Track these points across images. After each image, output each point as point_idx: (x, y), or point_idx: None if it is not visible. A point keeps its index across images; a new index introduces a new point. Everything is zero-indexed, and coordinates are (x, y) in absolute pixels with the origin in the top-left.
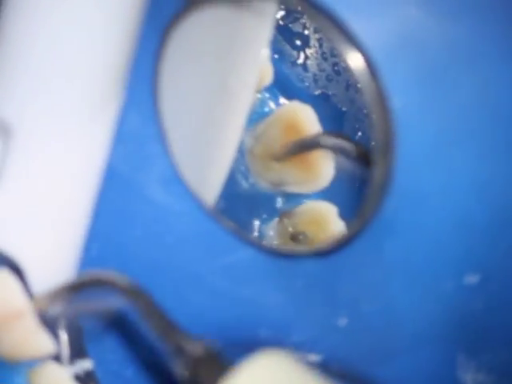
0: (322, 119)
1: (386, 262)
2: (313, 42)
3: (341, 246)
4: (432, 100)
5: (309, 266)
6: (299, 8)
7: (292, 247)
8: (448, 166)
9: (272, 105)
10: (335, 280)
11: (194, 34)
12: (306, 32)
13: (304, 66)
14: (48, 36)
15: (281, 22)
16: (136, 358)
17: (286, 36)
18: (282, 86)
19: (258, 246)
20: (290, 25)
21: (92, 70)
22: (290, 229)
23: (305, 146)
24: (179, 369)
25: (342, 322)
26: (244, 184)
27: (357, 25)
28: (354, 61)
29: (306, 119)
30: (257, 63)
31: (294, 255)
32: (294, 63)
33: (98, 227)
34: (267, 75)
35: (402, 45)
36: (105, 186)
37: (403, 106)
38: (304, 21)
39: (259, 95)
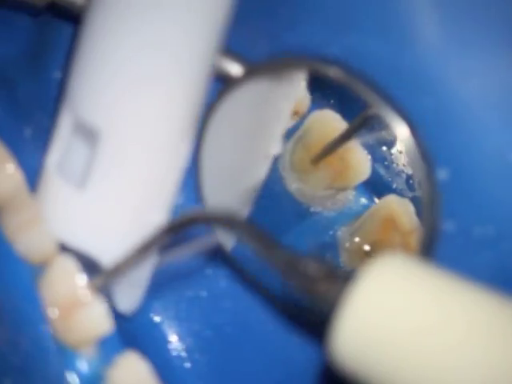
0: None
1: None
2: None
3: None
4: None
5: None
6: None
7: None
8: None
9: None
10: None
11: (230, 111)
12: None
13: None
14: (136, 41)
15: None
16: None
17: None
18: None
19: None
20: None
21: (179, 81)
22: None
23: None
24: (295, 288)
25: None
26: None
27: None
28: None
29: (405, 213)
30: (280, 129)
31: None
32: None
33: None
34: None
35: None
36: None
37: None
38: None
39: (354, 192)
